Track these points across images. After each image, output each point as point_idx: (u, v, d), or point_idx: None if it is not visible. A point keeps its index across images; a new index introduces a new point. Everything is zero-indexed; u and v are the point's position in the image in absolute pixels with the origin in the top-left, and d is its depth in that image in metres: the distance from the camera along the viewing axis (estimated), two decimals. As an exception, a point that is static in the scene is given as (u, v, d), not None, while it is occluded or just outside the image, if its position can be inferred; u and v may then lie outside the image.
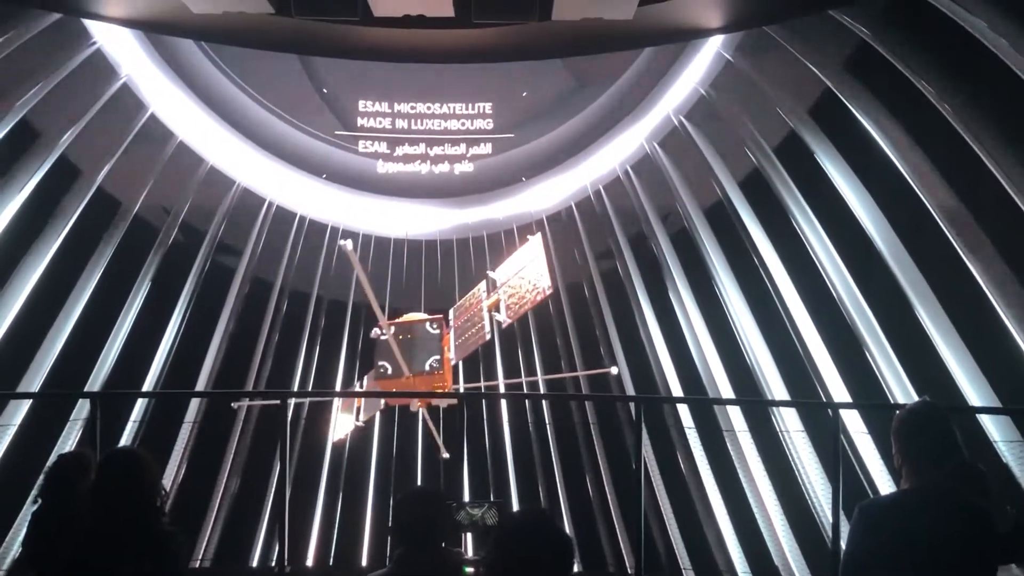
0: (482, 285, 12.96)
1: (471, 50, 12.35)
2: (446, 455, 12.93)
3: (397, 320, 12.93)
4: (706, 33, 12.68)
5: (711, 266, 14.99)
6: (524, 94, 17.43)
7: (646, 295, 16.09)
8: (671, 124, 15.81)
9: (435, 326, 12.44)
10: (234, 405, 13.58)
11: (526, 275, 12.16)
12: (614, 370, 15.06)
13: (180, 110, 15.99)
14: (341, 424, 13.45)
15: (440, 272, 17.90)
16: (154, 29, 12.76)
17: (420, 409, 12.66)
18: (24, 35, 12.31)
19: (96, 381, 13.93)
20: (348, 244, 10.63)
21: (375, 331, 12.19)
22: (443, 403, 12.22)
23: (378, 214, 18.17)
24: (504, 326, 12.18)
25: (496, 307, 12.21)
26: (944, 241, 11.18)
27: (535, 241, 12.62)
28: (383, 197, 17.95)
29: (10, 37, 12.19)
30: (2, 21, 12.07)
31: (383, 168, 17.66)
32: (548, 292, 11.81)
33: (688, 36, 13.16)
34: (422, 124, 17.47)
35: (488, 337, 12.04)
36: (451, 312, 13.17)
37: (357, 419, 13.19)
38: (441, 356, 11.98)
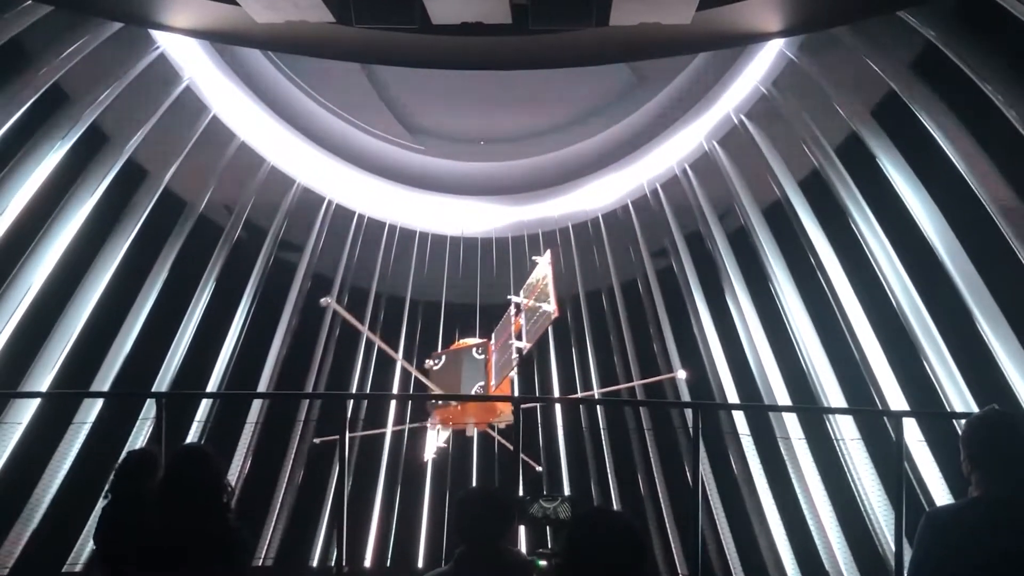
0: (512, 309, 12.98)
1: (529, 57, 12.33)
2: (539, 468, 13.19)
3: (449, 348, 13.06)
4: (766, 37, 12.48)
5: (768, 267, 14.83)
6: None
7: (702, 295, 15.98)
8: (731, 122, 15.59)
9: (480, 351, 12.52)
10: (317, 441, 13.76)
11: (538, 298, 12.11)
12: (680, 374, 14.92)
13: (241, 111, 16.25)
14: (430, 444, 13.57)
15: (495, 270, 18.00)
16: (220, 39, 13.03)
17: (475, 433, 12.80)
18: (92, 43, 12.68)
19: (166, 375, 14.39)
20: (327, 300, 11.04)
21: (427, 362, 12.38)
22: (501, 423, 12.33)
23: (434, 212, 18.32)
24: (524, 352, 12.14)
25: (519, 333, 12.20)
26: (1007, 248, 10.96)
27: (543, 262, 12.53)
28: (440, 194, 18.07)
29: (79, 46, 12.59)
30: (71, 31, 12.46)
31: (439, 166, 17.75)
32: (554, 316, 11.73)
33: (747, 40, 12.94)
34: (479, 122, 17.47)
35: (515, 365, 12.02)
36: (493, 336, 13.20)
37: (439, 440, 13.34)
38: (487, 381, 12.03)
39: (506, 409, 11.56)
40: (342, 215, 17.72)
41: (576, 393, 16.16)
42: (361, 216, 17.90)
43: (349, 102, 17.06)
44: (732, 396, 14.86)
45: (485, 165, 17.70)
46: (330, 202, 17.57)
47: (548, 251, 12.98)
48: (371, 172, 17.65)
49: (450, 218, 18.34)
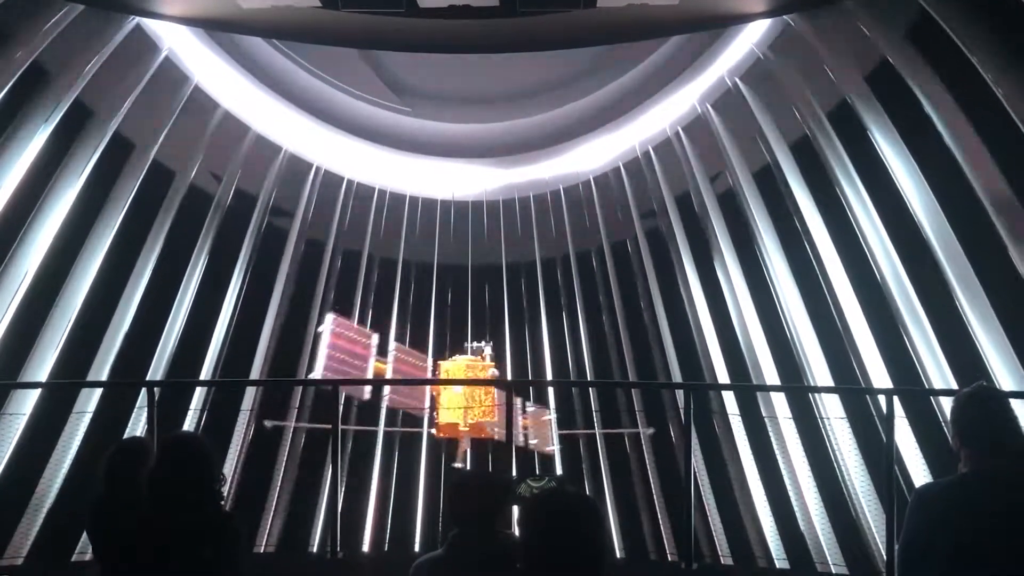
0: None
1: (518, 39, 12.15)
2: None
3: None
4: (752, 18, 12.33)
5: (757, 232, 14.85)
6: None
7: (691, 259, 16.02)
8: (725, 85, 15.34)
9: None
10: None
11: None
12: None
13: (223, 79, 15.84)
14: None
15: (487, 232, 17.95)
16: (206, 26, 12.83)
17: (468, 447, 13.13)
18: (67, 19, 12.35)
19: (165, 350, 14.50)
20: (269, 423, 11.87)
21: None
22: (495, 435, 12.58)
23: (424, 175, 18.14)
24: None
25: None
26: (992, 227, 11.00)
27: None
28: (429, 157, 17.86)
29: (55, 22, 12.27)
30: (45, 7, 12.13)
31: (428, 128, 17.48)
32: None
33: (734, 21, 12.79)
34: (468, 83, 17.08)
35: None
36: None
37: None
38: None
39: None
40: (331, 181, 17.54)
41: (567, 360, 16.40)
42: (350, 181, 17.74)
43: (332, 65, 16.62)
44: (719, 364, 15.05)
45: (475, 127, 17.43)
46: (318, 168, 17.37)
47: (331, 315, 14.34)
48: (358, 136, 17.32)
49: (440, 181, 18.18)
